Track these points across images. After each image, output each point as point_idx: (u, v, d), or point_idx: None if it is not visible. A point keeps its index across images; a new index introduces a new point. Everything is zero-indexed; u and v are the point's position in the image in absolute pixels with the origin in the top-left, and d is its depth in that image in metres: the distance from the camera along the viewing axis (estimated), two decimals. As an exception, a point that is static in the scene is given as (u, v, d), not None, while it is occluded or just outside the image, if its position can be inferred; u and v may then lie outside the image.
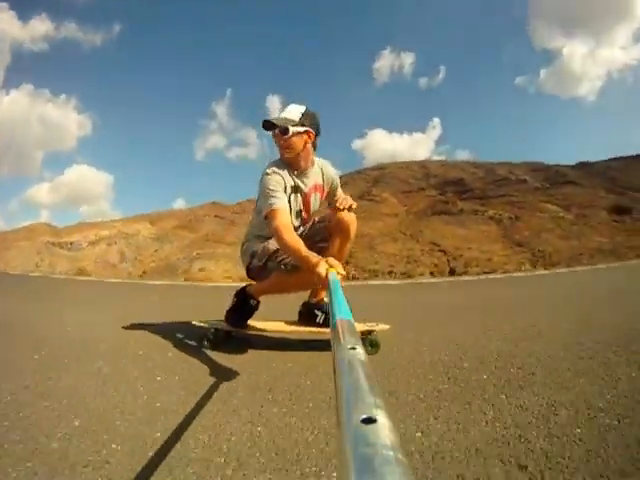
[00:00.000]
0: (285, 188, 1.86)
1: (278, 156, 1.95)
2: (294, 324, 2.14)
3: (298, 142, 1.87)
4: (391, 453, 0.27)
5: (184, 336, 2.25)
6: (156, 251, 21.72)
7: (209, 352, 1.94)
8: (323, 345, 2.00)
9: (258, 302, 2.06)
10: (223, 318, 2.07)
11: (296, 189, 1.93)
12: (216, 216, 27.91)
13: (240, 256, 2.11)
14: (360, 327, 1.92)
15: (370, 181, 46.07)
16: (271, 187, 1.80)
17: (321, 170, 2.06)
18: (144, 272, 16.80)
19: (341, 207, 1.89)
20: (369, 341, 1.91)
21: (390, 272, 13.16)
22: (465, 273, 10.65)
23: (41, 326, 2.73)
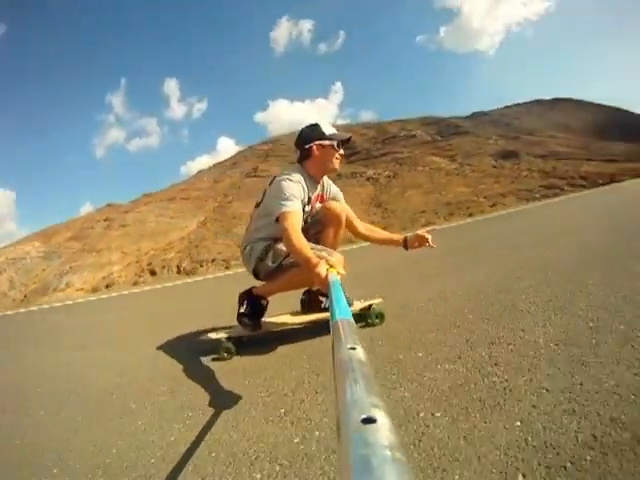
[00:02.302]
0: (303, 198, 1.92)
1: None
2: (300, 314, 2.19)
3: None
4: (390, 453, 0.27)
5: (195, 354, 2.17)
6: (44, 270, 19.90)
7: (234, 362, 1.93)
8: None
9: (268, 302, 2.12)
10: (236, 323, 2.11)
11: (309, 199, 2.02)
12: (106, 219, 26.80)
13: (243, 259, 2.13)
14: (359, 305, 2.12)
15: (261, 156, 44.97)
16: (291, 192, 1.84)
17: (324, 181, 2.16)
18: (25, 297, 15.57)
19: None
20: (375, 314, 2.05)
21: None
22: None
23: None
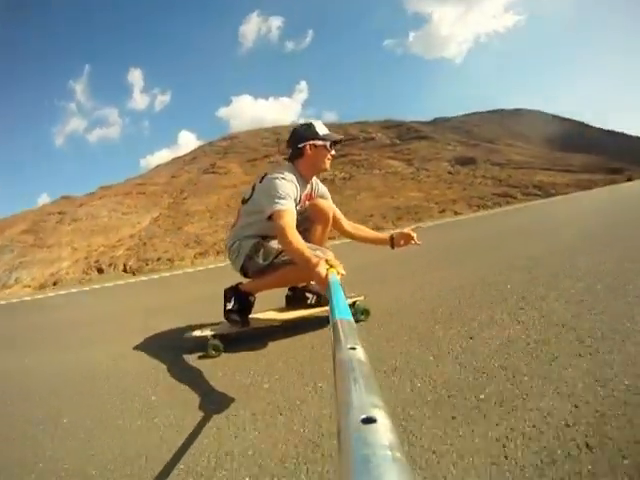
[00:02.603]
0: (296, 197, 1.92)
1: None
2: (286, 310, 2.18)
3: None
4: (390, 453, 0.28)
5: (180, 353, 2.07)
6: (-7, 266, 19.24)
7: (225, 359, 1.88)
8: (319, 322, 2.11)
9: (255, 298, 2.10)
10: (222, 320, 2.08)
11: (300, 198, 2.02)
12: (60, 212, 25.57)
13: (229, 255, 2.11)
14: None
15: (220, 152, 44.87)
16: (285, 191, 1.84)
17: (312, 180, 2.17)
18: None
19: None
20: (360, 310, 2.07)
21: (168, 259, 12.99)
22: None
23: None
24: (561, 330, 1.51)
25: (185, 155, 50.96)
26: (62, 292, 7.66)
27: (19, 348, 2.95)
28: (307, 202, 2.13)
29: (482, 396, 1.12)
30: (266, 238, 1.99)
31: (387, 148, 38.20)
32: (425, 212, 16.90)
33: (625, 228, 4.05)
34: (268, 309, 2.22)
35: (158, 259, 13.11)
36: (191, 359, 1.92)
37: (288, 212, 1.78)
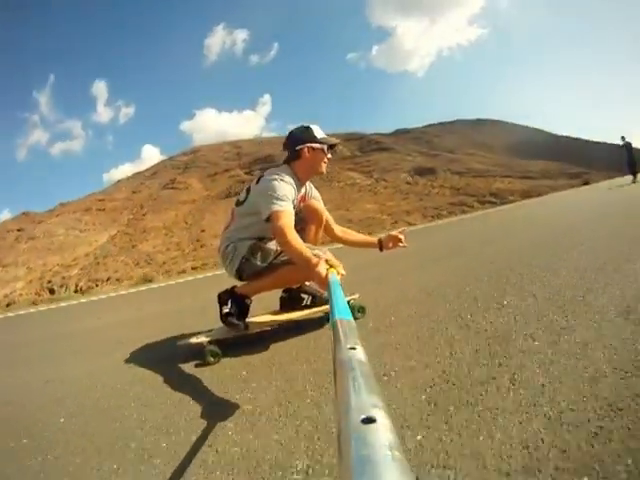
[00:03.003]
0: (293, 199, 1.92)
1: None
2: (282, 313, 2.15)
3: None
4: (390, 453, 0.28)
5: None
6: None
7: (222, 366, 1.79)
8: (319, 322, 2.12)
9: (251, 301, 2.07)
10: (220, 325, 2.02)
11: (296, 200, 2.02)
12: (19, 230, 25.30)
13: (224, 258, 2.06)
14: None
15: (181, 167, 44.82)
16: (283, 192, 1.84)
17: (307, 184, 2.19)
18: None
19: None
20: (357, 308, 2.09)
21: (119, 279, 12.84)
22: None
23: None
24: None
25: (146, 170, 50.47)
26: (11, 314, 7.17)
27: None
28: (301, 204, 2.13)
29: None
30: (262, 240, 1.98)
31: (348, 160, 38.78)
32: (378, 224, 17.25)
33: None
34: (262, 312, 2.18)
35: (108, 279, 12.90)
36: (187, 368, 1.83)
37: (287, 213, 1.78)
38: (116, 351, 2.38)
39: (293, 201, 1.92)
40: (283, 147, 2.12)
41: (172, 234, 21.83)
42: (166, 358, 2.05)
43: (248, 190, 2.05)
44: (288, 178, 1.93)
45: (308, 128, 2.05)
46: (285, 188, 1.87)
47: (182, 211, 27.27)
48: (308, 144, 2.01)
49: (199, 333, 2.04)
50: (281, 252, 1.93)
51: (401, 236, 2.19)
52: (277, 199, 1.80)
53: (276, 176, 1.91)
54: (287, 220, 1.75)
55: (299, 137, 2.04)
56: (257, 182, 2.01)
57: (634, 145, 14.91)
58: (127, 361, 2.16)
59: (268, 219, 1.80)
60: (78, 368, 2.27)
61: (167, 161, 51.36)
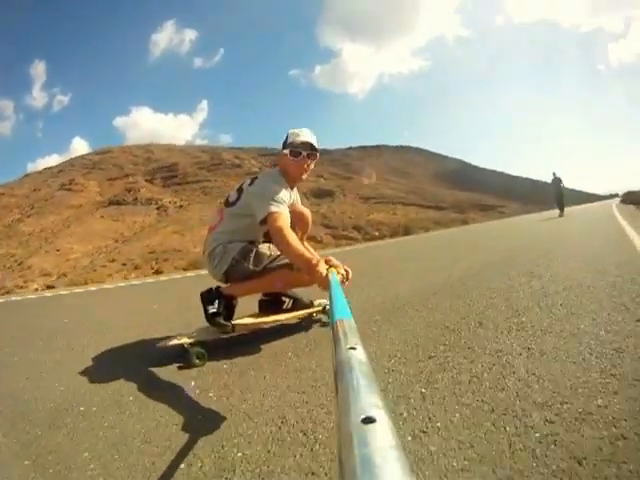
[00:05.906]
0: (287, 202, 1.90)
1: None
2: (267, 315, 2.09)
3: None
4: (390, 452, 0.28)
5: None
6: None
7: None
8: (296, 328, 2.16)
9: (237, 302, 2.02)
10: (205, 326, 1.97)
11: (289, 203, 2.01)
12: None
13: (210, 260, 1.99)
14: (324, 303, 2.19)
15: (88, 167, 42.63)
16: (280, 194, 1.83)
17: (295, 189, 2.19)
18: None
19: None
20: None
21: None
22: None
23: None
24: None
25: (56, 166, 48.22)
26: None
27: None
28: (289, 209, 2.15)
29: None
30: (253, 243, 1.96)
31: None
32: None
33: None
34: (241, 316, 2.09)
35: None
36: (169, 370, 1.73)
37: (284, 215, 1.78)
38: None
39: (287, 203, 1.91)
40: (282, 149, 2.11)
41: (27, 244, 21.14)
42: (142, 357, 1.97)
43: (240, 190, 2.02)
44: (282, 180, 1.96)
45: (295, 133, 2.02)
46: (281, 191, 1.87)
47: (61, 217, 26.02)
48: (285, 150, 2.00)
49: (180, 334, 1.92)
50: (277, 257, 1.92)
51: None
52: (274, 201, 1.80)
53: (272, 178, 1.93)
54: (285, 222, 1.75)
55: (285, 141, 2.03)
56: (250, 183, 1.99)
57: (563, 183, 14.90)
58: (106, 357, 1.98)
59: (264, 221, 1.78)
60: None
61: (78, 159, 48.99)
